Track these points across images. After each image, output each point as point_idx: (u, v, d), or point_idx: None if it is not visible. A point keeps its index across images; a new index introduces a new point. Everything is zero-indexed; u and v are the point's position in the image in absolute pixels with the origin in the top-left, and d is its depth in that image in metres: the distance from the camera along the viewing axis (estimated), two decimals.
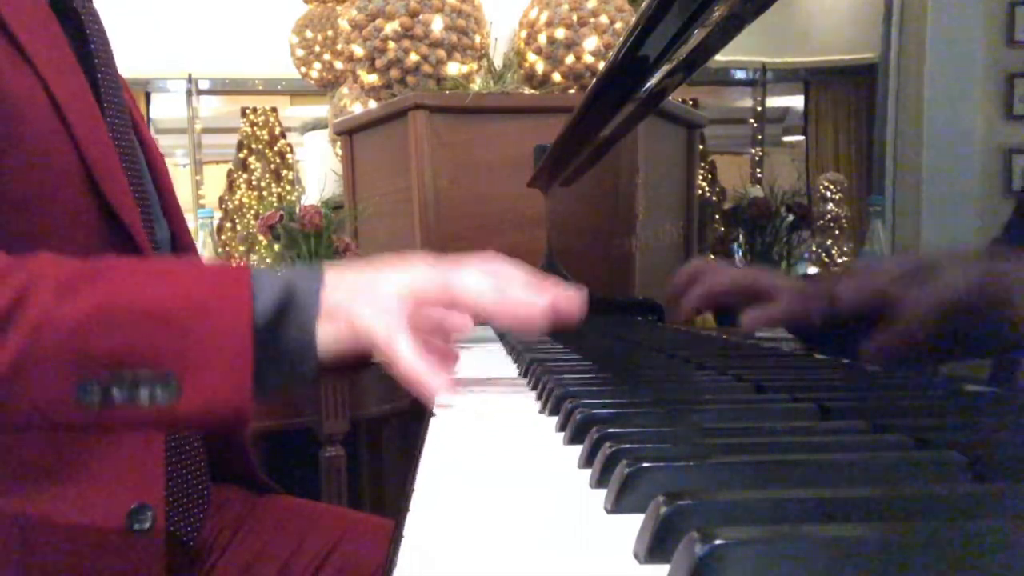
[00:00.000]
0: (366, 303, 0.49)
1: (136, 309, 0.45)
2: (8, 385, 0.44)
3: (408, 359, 0.48)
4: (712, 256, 0.94)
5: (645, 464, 0.28)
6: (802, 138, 0.91)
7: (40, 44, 0.60)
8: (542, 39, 1.87)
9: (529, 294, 0.52)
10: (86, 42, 0.68)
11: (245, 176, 4.59)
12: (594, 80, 0.90)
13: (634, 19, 0.69)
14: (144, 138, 0.77)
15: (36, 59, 0.59)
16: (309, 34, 2.71)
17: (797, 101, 0.94)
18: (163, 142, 5.77)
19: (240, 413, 0.46)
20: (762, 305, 0.57)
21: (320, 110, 3.46)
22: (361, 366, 0.63)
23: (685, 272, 0.67)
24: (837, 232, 0.74)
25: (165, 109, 4.84)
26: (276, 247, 1.78)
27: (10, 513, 0.59)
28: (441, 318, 0.55)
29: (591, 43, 1.84)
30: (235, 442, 0.83)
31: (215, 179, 4.82)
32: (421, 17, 1.77)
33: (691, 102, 1.17)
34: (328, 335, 0.49)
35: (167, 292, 0.46)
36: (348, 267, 0.53)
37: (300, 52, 2.73)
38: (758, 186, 0.89)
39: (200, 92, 4.59)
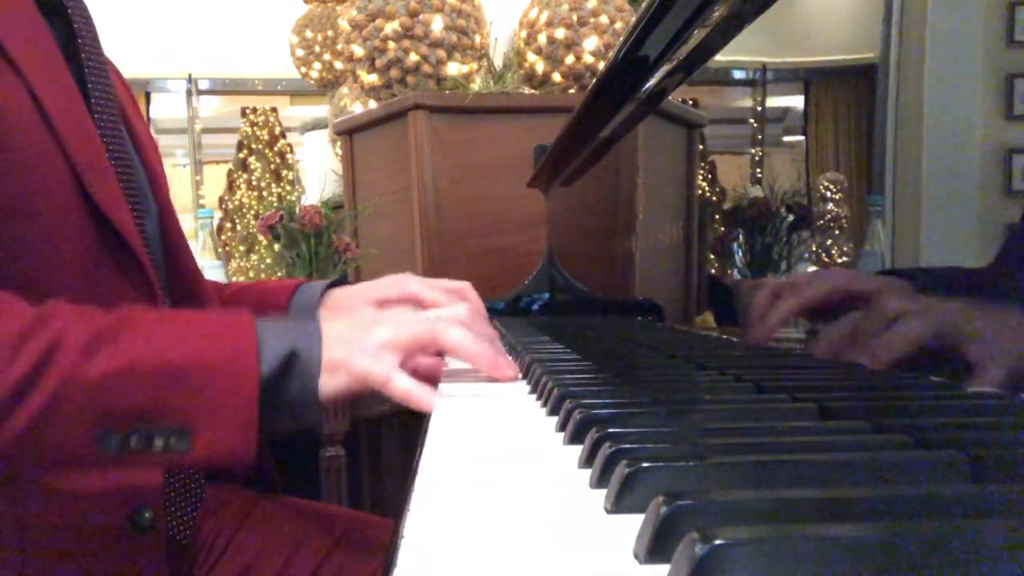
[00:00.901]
0: (362, 355, 0.56)
1: (154, 369, 0.49)
2: (32, 437, 0.47)
3: (402, 392, 0.55)
4: (713, 255, 0.94)
5: (645, 464, 0.28)
6: (802, 138, 0.91)
7: (23, 43, 0.59)
8: (542, 39, 1.87)
9: (497, 352, 0.62)
10: (73, 36, 0.67)
11: (245, 176, 4.59)
12: (594, 80, 0.90)
13: (634, 19, 0.69)
14: (135, 129, 0.76)
15: (19, 60, 0.58)
16: (309, 34, 2.71)
17: (797, 101, 0.94)
18: (163, 142, 5.77)
19: (243, 461, 0.51)
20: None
21: (320, 110, 3.46)
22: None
23: (766, 293, 0.68)
24: (837, 232, 0.74)
25: (165, 109, 4.84)
26: (276, 247, 1.78)
27: (8, 512, 0.59)
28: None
29: (591, 43, 1.84)
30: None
31: (215, 179, 4.83)
32: (421, 17, 1.77)
33: (691, 102, 1.17)
34: (329, 385, 0.55)
35: (181, 351, 0.51)
36: (342, 322, 0.60)
37: (300, 52, 2.73)
38: (758, 186, 0.89)
39: (200, 92, 4.60)
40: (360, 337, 0.57)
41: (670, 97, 0.89)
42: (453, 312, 0.63)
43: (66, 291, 0.56)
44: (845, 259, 0.73)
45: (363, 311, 0.67)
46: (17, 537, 0.58)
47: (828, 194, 0.76)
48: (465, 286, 0.81)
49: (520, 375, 0.63)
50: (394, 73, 1.81)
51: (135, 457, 0.49)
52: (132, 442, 0.49)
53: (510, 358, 0.66)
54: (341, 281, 0.84)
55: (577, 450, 0.36)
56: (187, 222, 0.81)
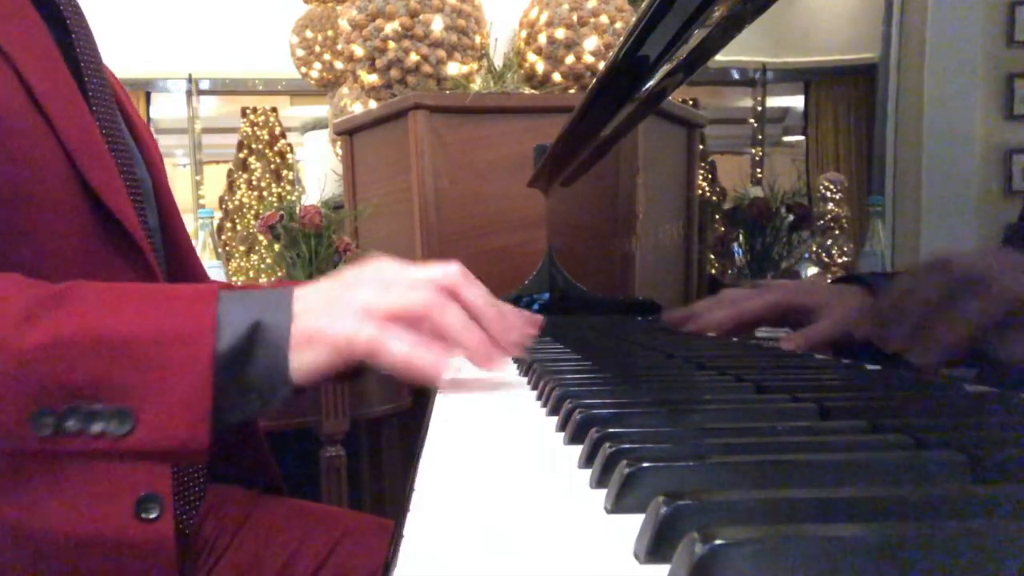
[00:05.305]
0: (341, 320, 0.49)
1: (95, 340, 0.44)
2: None
3: (400, 358, 0.48)
4: (713, 255, 0.94)
5: (645, 464, 0.28)
6: (802, 138, 0.91)
7: (13, 32, 0.59)
8: (542, 39, 1.87)
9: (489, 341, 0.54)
10: (67, 31, 0.67)
11: (245, 176, 4.59)
12: (594, 80, 0.90)
13: (634, 19, 0.69)
14: (132, 122, 0.76)
15: (8, 48, 0.58)
16: (309, 34, 2.71)
17: (797, 101, 0.94)
18: (163, 142, 5.77)
19: (194, 448, 0.45)
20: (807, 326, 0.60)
21: (320, 110, 3.46)
22: (357, 375, 0.64)
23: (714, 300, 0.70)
24: (837, 232, 0.74)
25: (165, 109, 4.84)
26: (276, 247, 1.78)
27: (9, 513, 0.58)
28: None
29: (591, 43, 1.84)
30: (254, 438, 0.83)
31: (215, 179, 4.83)
32: (421, 17, 1.77)
33: (691, 102, 1.17)
34: (307, 360, 0.49)
35: (129, 322, 0.46)
36: (317, 287, 0.52)
37: (300, 52, 2.73)
38: (758, 186, 0.89)
39: (200, 92, 4.59)
40: (339, 300, 0.50)
41: (670, 97, 0.89)
42: (446, 273, 0.54)
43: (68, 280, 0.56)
44: (845, 259, 0.73)
45: (344, 272, 0.59)
46: (32, 543, 0.57)
47: (828, 194, 0.76)
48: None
49: (523, 374, 0.63)
50: (394, 73, 1.81)
51: (71, 441, 0.44)
52: (69, 424, 0.44)
53: (527, 321, 0.62)
54: None
55: (577, 450, 0.36)
56: (187, 222, 0.81)
